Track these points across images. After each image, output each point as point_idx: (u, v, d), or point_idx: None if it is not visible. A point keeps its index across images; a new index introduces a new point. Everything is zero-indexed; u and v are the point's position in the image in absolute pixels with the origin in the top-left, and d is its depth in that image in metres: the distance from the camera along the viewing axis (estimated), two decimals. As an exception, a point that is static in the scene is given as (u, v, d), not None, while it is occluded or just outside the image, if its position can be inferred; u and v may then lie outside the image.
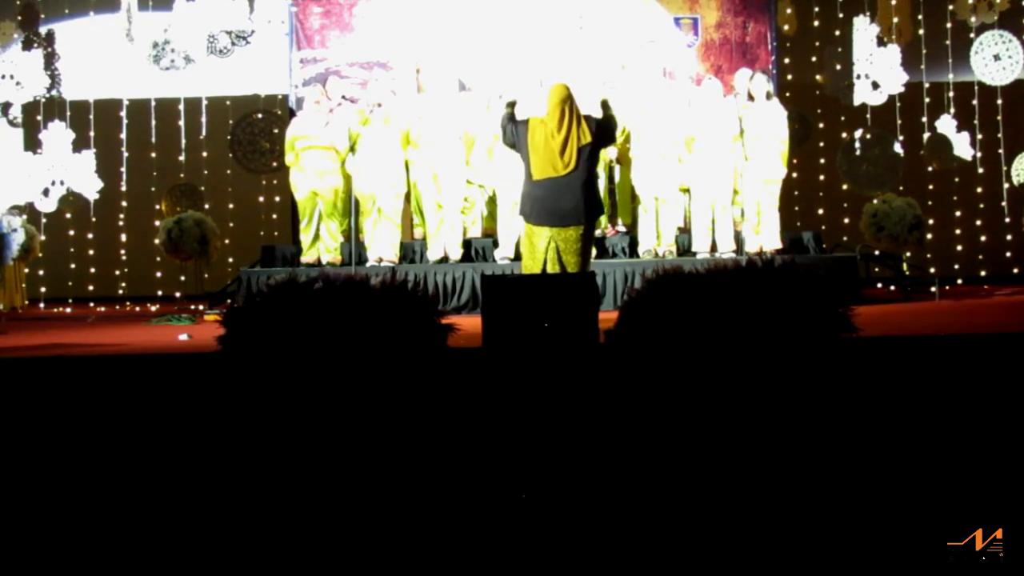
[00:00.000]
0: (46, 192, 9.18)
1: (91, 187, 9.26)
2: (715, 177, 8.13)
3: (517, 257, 7.76)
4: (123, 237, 11.15)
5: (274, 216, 11.55)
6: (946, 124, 9.95)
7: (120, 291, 11.38)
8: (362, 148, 7.93)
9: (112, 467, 4.15)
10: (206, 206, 10.44)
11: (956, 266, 11.34)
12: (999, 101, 10.31)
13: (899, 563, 3.31)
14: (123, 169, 10.56)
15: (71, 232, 11.10)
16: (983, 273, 11.30)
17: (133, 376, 4.78)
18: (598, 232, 8.49)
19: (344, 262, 8.23)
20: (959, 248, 11.44)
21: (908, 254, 9.90)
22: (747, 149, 8.15)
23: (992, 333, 5.53)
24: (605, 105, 6.30)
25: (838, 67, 9.96)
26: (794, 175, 9.99)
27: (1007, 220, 10.71)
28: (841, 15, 10.43)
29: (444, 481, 3.92)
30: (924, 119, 10.24)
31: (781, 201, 8.37)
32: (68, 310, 10.22)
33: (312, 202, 8.25)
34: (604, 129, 6.18)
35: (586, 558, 3.43)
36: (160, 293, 11.00)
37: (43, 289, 10.90)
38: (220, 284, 9.55)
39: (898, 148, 9.74)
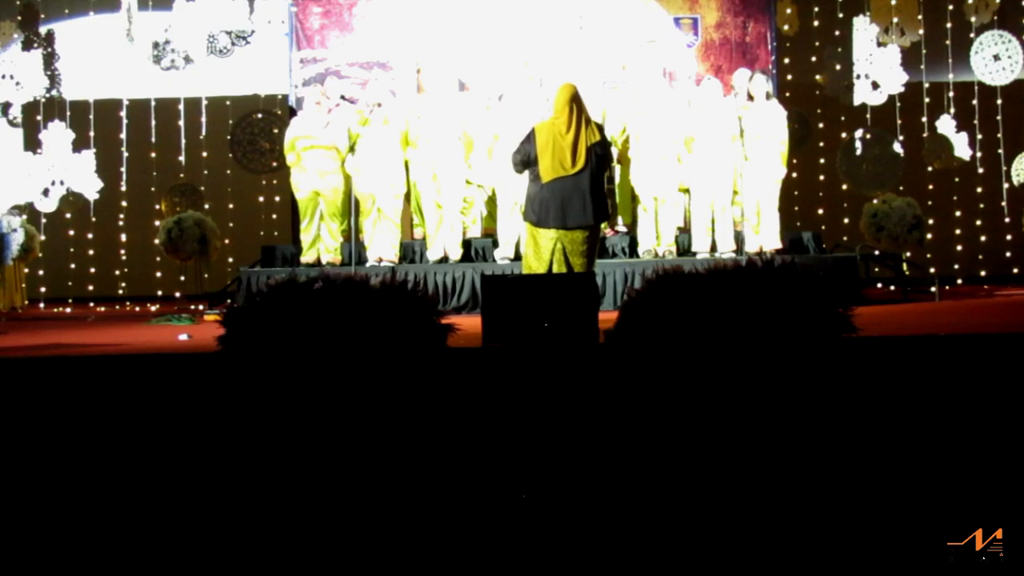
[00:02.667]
0: (46, 192, 9.18)
1: (91, 187, 9.26)
2: (715, 177, 8.13)
3: (517, 257, 7.75)
4: (123, 237, 11.15)
5: (274, 216, 11.55)
6: (946, 124, 9.96)
7: (120, 291, 11.38)
8: (362, 148, 7.92)
9: (112, 467, 4.15)
10: (206, 206, 10.45)
11: (956, 266, 11.34)
12: (999, 101, 10.31)
13: (899, 563, 3.31)
14: (123, 169, 10.56)
15: (71, 232, 11.10)
16: (983, 273, 11.30)
17: (133, 376, 4.78)
18: (598, 233, 8.50)
19: (344, 262, 8.23)
20: (959, 248, 11.45)
21: (908, 254, 9.90)
22: (747, 149, 8.13)
23: (992, 333, 5.53)
24: (602, 132, 6.30)
25: (838, 67, 9.97)
26: (794, 175, 9.99)
27: (1007, 220, 10.71)
28: (841, 15, 10.43)
29: (444, 481, 3.92)
30: (924, 119, 10.25)
31: (781, 201, 8.37)
32: (68, 310, 10.22)
33: (313, 202, 8.24)
34: (606, 146, 6.25)
35: (586, 558, 3.43)
36: (160, 293, 11.01)
37: (43, 289, 10.91)
38: (220, 284, 9.55)
39: (898, 148, 9.74)
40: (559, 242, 6.01)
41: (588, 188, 6.00)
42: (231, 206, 11.27)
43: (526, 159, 6.12)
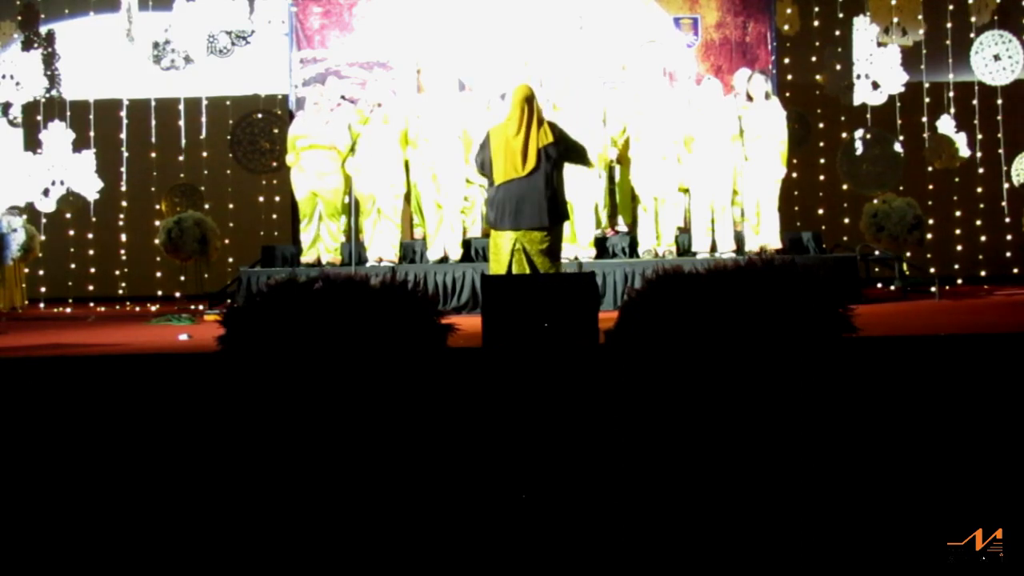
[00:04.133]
0: (46, 192, 9.18)
1: (91, 187, 9.26)
2: (715, 177, 8.13)
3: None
4: (123, 237, 11.15)
5: (274, 216, 11.55)
6: (946, 124, 9.97)
7: (120, 291, 11.37)
8: (362, 148, 7.92)
9: (112, 467, 4.15)
10: (206, 206, 10.46)
11: (956, 266, 11.34)
12: (999, 101, 10.32)
13: (899, 563, 3.31)
14: (123, 169, 10.56)
15: (71, 232, 11.10)
16: (983, 273, 11.30)
17: (133, 376, 4.78)
18: (598, 232, 8.50)
19: (344, 262, 8.23)
20: (959, 248, 11.44)
21: (908, 254, 9.90)
22: (747, 149, 8.15)
23: (992, 333, 5.53)
24: (557, 132, 6.17)
25: (838, 67, 9.97)
26: (794, 175, 10.00)
27: (1007, 220, 10.71)
28: (841, 15, 10.43)
29: (444, 481, 3.92)
30: (924, 119, 10.25)
31: (781, 201, 8.37)
32: (68, 310, 10.22)
33: (312, 202, 8.24)
34: (566, 146, 6.15)
35: (586, 558, 3.43)
36: (160, 293, 11.00)
37: (43, 289, 10.90)
38: (220, 284, 9.55)
39: (898, 148, 9.75)
40: (518, 243, 5.98)
41: (543, 189, 5.96)
42: (231, 206, 11.28)
43: (483, 162, 6.13)
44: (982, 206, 11.30)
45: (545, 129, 6.04)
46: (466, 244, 8.36)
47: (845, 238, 10.36)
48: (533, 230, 5.97)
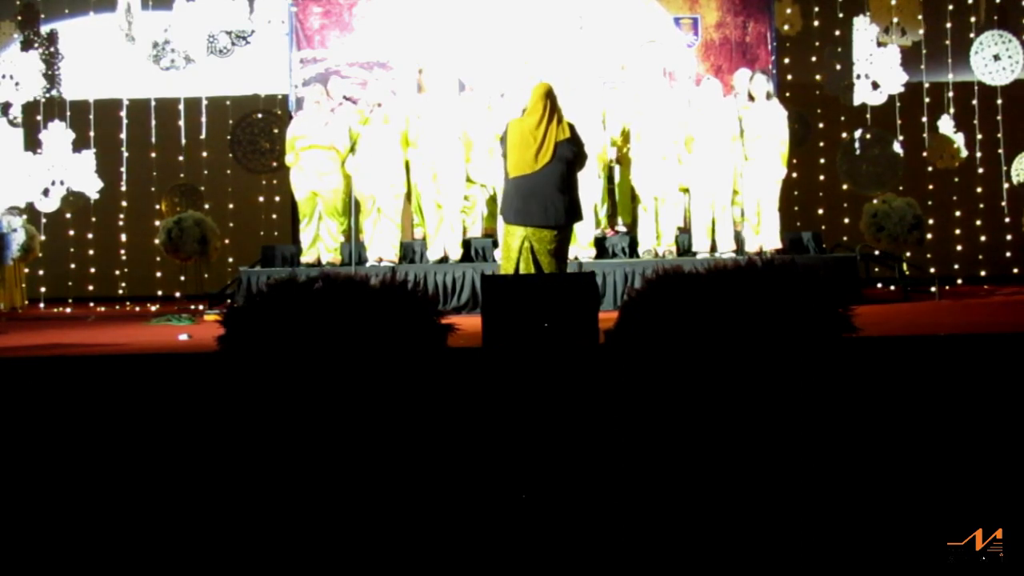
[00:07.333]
0: (46, 192, 9.17)
1: (91, 187, 9.26)
2: (715, 177, 8.13)
3: (517, 257, 7.74)
4: (123, 237, 11.15)
5: (274, 216, 11.55)
6: (946, 124, 9.97)
7: (120, 291, 11.37)
8: (362, 148, 7.93)
9: (112, 467, 4.15)
10: (206, 206, 10.45)
11: (956, 266, 11.33)
12: (999, 101, 10.31)
13: (899, 563, 3.31)
14: (123, 169, 10.55)
15: (71, 232, 11.10)
16: (983, 273, 11.29)
17: (133, 376, 4.78)
18: (598, 232, 8.50)
19: (344, 262, 8.23)
20: (959, 248, 11.44)
21: (908, 254, 9.90)
22: (747, 149, 8.16)
23: (992, 333, 5.53)
24: (575, 132, 6.09)
25: (838, 67, 9.97)
26: (794, 175, 9.99)
27: (1007, 220, 10.71)
28: (841, 15, 10.43)
29: (444, 481, 3.92)
30: (924, 119, 10.25)
31: (781, 201, 8.37)
32: (68, 310, 10.22)
33: (312, 202, 8.25)
34: (578, 148, 6.06)
35: (586, 558, 3.43)
36: (160, 293, 11.00)
37: (43, 289, 10.89)
38: (220, 284, 9.55)
39: (898, 148, 9.75)
40: (527, 240, 5.87)
41: (554, 188, 5.83)
42: (231, 206, 11.27)
43: (504, 154, 6.08)
44: (982, 206, 11.29)
45: (564, 126, 5.95)
46: (466, 244, 8.36)
47: (845, 238, 10.35)
48: (543, 228, 5.88)
